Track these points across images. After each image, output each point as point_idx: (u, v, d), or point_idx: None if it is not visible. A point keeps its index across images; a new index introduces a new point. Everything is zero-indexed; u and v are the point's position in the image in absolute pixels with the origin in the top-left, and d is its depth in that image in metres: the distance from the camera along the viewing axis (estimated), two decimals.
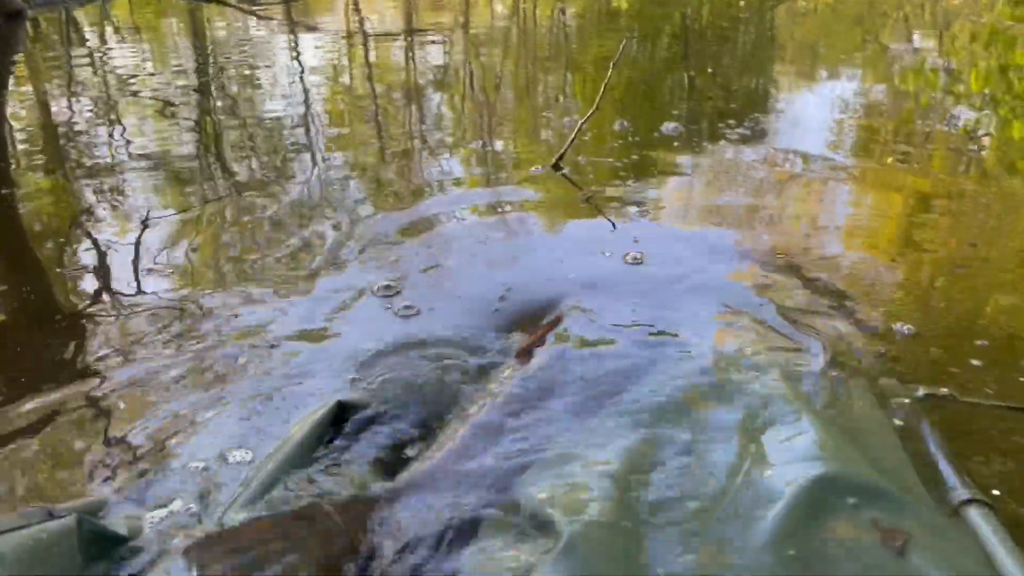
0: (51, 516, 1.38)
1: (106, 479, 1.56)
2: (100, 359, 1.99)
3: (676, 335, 2.06)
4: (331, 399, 1.73)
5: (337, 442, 1.63)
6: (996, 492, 1.51)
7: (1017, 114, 4.38)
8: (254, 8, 8.62)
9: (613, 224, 2.81)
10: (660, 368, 1.89)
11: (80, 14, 8.44)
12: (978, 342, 1.99)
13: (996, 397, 1.75)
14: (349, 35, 7.46)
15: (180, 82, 5.26)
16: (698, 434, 1.65)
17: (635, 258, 2.45)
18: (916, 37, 7.14)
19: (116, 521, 1.42)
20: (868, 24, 8.02)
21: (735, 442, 1.62)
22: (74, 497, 1.51)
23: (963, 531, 1.40)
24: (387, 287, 2.31)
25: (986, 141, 3.84)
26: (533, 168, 3.49)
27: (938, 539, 1.38)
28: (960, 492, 1.46)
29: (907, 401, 1.73)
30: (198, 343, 2.05)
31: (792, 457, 1.54)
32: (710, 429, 1.66)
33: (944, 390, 1.76)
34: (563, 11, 9.16)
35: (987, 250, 2.60)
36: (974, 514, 1.42)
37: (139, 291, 2.36)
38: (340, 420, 1.69)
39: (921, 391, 1.75)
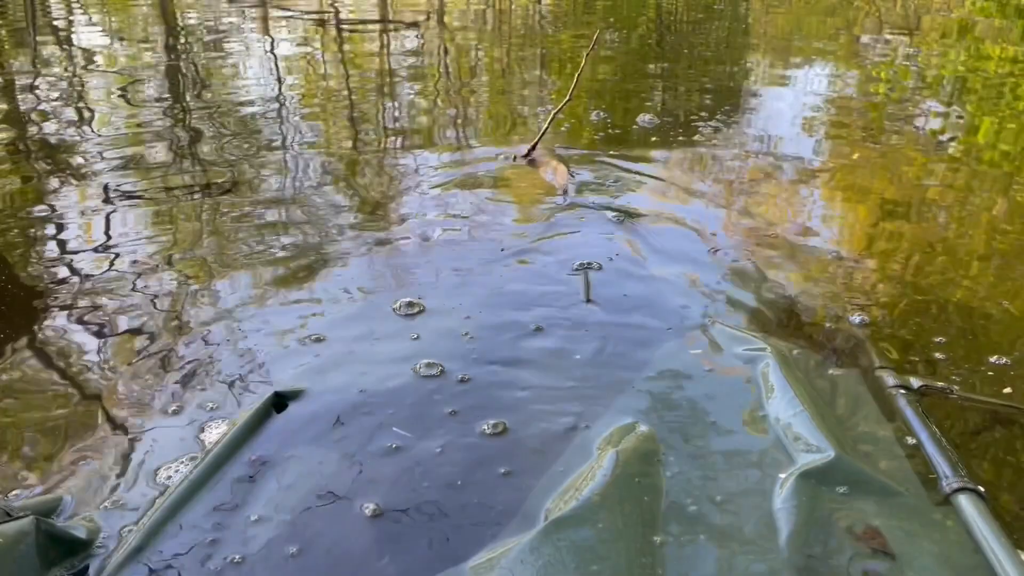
0: (7, 515, 1.32)
1: (63, 476, 1.48)
2: (59, 343, 1.91)
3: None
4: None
5: None
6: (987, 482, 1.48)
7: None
8: None
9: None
10: (652, 353, 1.88)
11: None
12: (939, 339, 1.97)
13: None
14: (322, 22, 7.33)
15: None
16: (692, 420, 1.63)
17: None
18: (887, 31, 7.18)
19: (73, 523, 1.35)
20: (840, 17, 8.06)
21: (729, 429, 1.60)
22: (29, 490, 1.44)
23: (953, 519, 1.37)
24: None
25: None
26: (505, 158, 3.42)
27: (927, 528, 1.35)
28: (951, 480, 1.43)
29: (901, 391, 1.69)
30: (169, 335, 1.97)
31: (785, 445, 1.53)
32: (704, 416, 1.64)
33: (940, 383, 1.72)
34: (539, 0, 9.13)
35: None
36: (965, 502, 1.39)
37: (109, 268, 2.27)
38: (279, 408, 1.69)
39: (916, 382, 1.72)
